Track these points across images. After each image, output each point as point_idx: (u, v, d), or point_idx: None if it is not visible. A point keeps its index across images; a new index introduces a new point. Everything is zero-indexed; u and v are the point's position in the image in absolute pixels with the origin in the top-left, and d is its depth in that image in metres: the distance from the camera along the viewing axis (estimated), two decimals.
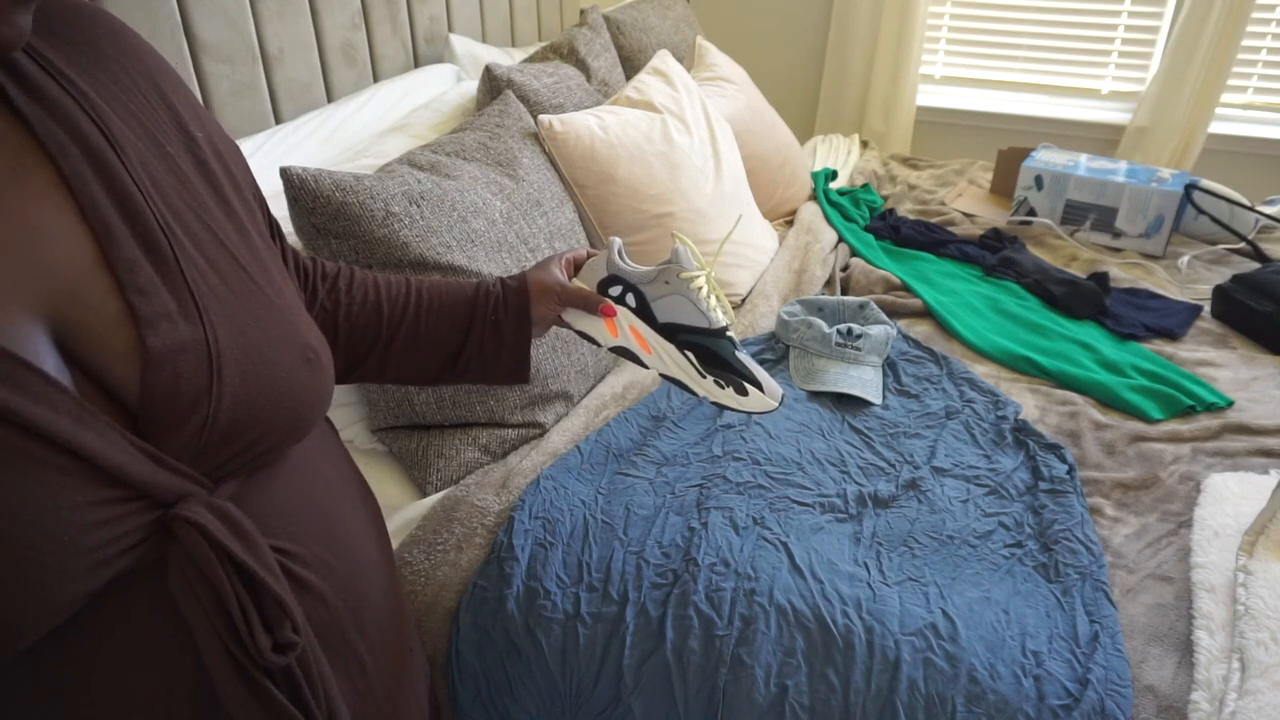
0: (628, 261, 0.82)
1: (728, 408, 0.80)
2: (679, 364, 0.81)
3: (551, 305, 0.80)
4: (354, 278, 0.76)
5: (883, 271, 1.73)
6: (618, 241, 0.83)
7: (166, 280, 0.46)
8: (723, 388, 0.79)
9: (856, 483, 1.15)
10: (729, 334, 0.80)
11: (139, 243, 0.46)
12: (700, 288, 0.79)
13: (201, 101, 0.60)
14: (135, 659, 0.45)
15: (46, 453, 0.39)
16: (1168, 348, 1.50)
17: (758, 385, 0.78)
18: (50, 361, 0.41)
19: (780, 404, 0.79)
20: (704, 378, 0.80)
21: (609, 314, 0.80)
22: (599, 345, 0.84)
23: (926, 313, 1.62)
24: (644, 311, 0.80)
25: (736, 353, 0.79)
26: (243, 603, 0.46)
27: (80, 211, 0.44)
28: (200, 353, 0.46)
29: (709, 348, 0.79)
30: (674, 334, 0.80)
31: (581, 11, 1.93)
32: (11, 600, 0.38)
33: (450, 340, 0.77)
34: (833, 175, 2.18)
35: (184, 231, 0.48)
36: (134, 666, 0.45)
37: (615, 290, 0.81)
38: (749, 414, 0.83)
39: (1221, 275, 1.72)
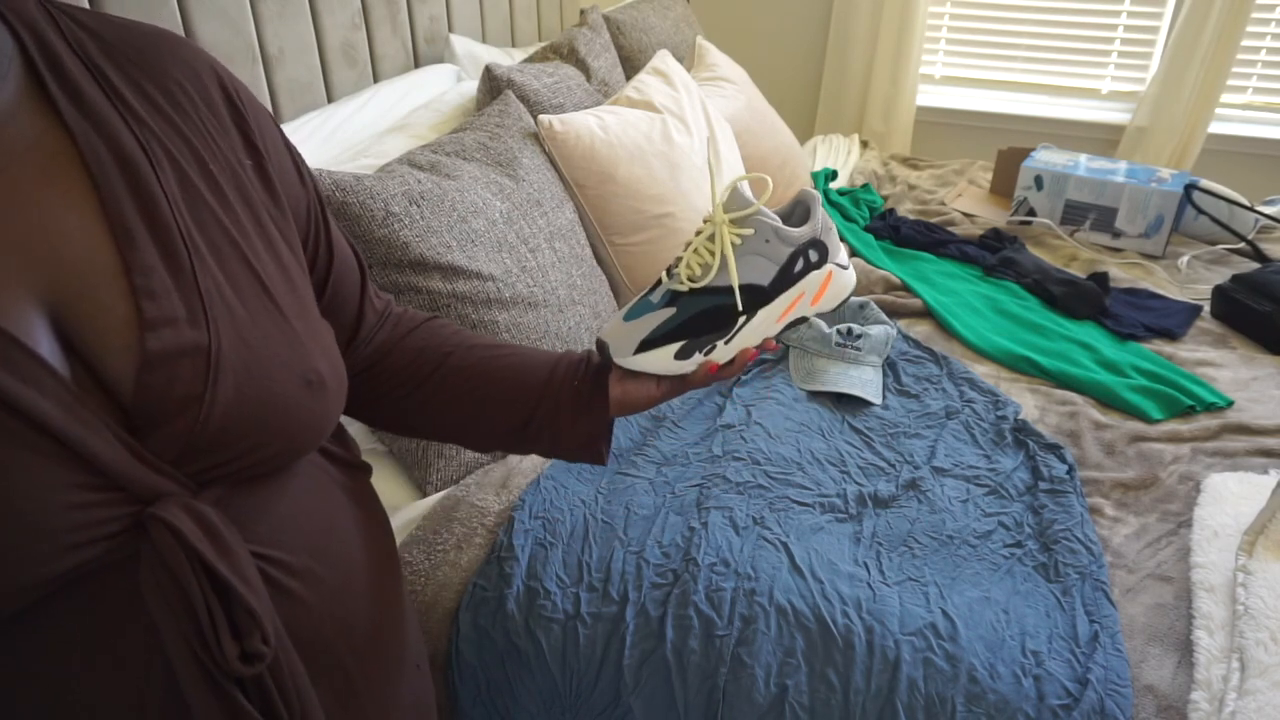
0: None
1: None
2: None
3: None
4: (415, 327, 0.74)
5: (883, 271, 1.73)
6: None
7: (180, 287, 0.47)
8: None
9: (856, 483, 1.15)
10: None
11: (158, 250, 0.47)
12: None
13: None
14: (105, 655, 0.45)
15: (26, 431, 0.41)
16: (1167, 348, 1.50)
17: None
18: (47, 347, 0.43)
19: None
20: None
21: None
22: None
23: (926, 313, 1.62)
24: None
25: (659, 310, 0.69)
26: (211, 608, 0.45)
27: (106, 218, 0.46)
28: (199, 359, 0.47)
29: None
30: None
31: (581, 11, 1.93)
32: None
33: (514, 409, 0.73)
34: (833, 175, 2.18)
35: (208, 246, 0.50)
36: (104, 663, 0.45)
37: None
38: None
39: (1221, 275, 1.72)
